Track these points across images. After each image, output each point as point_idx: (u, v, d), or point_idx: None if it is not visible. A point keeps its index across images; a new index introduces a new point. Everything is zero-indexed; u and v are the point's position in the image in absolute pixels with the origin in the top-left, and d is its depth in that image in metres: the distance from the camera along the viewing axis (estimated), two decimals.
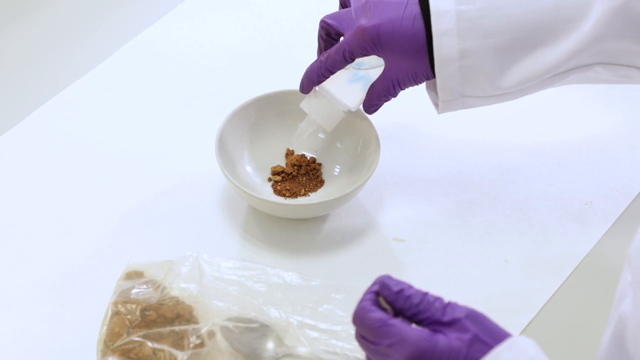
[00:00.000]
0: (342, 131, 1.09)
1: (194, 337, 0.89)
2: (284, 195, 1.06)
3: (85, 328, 0.95)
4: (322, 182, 1.08)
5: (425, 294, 0.75)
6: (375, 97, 1.01)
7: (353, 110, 1.04)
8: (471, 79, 0.95)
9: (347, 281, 0.97)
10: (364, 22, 0.96)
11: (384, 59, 0.98)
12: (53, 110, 1.17)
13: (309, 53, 1.25)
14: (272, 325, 0.92)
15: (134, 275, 0.94)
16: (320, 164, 1.10)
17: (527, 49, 0.94)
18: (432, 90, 0.99)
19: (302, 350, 0.91)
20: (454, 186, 1.09)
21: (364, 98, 1.02)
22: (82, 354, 0.93)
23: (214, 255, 0.96)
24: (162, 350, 0.88)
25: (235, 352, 0.91)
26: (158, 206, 1.07)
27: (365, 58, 1.01)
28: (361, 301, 0.76)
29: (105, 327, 0.90)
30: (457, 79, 0.95)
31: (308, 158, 1.10)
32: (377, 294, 0.76)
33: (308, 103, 1.04)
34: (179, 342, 0.89)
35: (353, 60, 0.98)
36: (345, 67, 1.01)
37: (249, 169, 1.08)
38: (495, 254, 1.03)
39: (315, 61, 1.01)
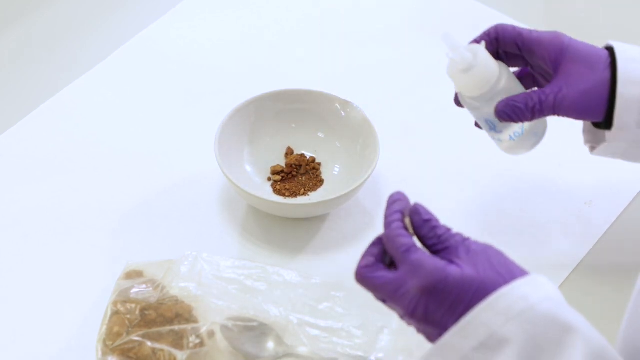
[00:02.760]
0: (342, 131, 1.10)
1: (194, 337, 0.89)
2: (283, 195, 1.06)
3: (85, 328, 0.95)
4: (321, 182, 1.08)
5: (449, 230, 0.77)
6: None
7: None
8: None
9: (346, 281, 0.97)
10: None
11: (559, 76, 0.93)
12: (53, 109, 1.17)
13: (309, 53, 1.26)
14: (271, 324, 0.92)
15: (133, 275, 0.94)
16: (319, 164, 1.10)
17: None
18: (589, 131, 0.97)
19: (302, 349, 0.91)
20: (454, 186, 1.09)
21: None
22: (82, 353, 0.93)
23: (213, 254, 0.96)
24: (162, 350, 0.88)
25: (235, 351, 0.91)
26: (158, 205, 1.07)
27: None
28: (391, 221, 0.77)
29: (104, 327, 0.90)
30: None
31: (307, 157, 1.10)
32: (402, 214, 0.78)
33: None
34: (178, 341, 0.89)
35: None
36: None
37: (248, 168, 1.08)
38: None
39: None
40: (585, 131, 0.98)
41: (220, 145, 1.04)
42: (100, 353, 0.88)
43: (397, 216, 0.77)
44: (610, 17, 1.31)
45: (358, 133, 1.08)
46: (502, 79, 0.92)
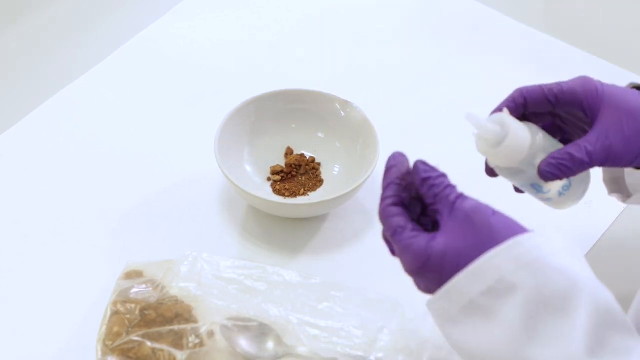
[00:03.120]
0: (342, 131, 1.10)
1: (193, 337, 0.89)
2: (283, 195, 1.06)
3: (84, 328, 0.95)
4: (321, 182, 1.08)
5: (446, 187, 0.77)
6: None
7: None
8: None
9: (346, 281, 0.97)
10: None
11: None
12: (53, 109, 1.17)
13: (309, 53, 1.26)
14: (271, 324, 0.92)
15: (133, 275, 0.94)
16: (319, 164, 1.10)
17: None
18: (612, 180, 0.95)
19: (302, 349, 0.91)
20: None
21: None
22: (82, 353, 0.93)
23: (213, 254, 0.96)
24: (162, 350, 0.88)
25: (234, 351, 0.91)
26: (158, 205, 1.07)
27: None
28: (384, 198, 0.77)
29: (104, 327, 0.90)
30: None
31: (307, 157, 1.10)
32: (399, 184, 0.78)
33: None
34: (178, 341, 0.89)
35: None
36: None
37: (248, 168, 1.08)
38: None
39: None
40: (606, 181, 0.96)
41: (220, 145, 1.04)
42: (100, 353, 0.88)
43: (391, 190, 0.77)
44: (610, 17, 1.31)
45: (358, 133, 1.08)
46: (537, 140, 0.88)
